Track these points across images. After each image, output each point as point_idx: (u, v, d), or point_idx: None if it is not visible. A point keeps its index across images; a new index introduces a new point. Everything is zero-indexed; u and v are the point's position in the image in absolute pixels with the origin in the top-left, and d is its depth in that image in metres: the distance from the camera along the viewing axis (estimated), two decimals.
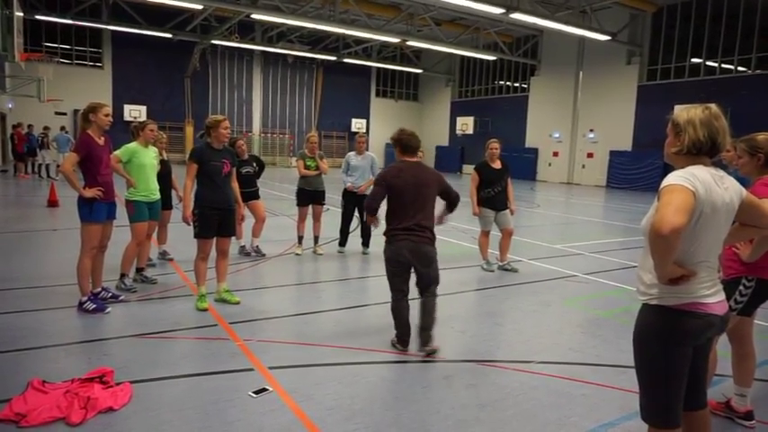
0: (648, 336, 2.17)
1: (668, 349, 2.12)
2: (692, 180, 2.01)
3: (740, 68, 20.66)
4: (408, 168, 4.04)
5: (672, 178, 2.04)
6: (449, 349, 4.23)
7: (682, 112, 2.19)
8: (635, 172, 23.26)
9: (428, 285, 4.08)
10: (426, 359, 3.97)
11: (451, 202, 4.23)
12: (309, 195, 7.51)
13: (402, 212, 3.96)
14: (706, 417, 2.35)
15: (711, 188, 2.05)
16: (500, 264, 7.05)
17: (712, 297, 2.13)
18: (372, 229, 7.05)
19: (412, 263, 3.98)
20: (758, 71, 19.94)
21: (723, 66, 21.04)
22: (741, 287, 3.04)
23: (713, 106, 2.17)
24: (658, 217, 1.92)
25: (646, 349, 2.18)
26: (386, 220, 4.10)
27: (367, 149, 7.90)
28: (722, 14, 20.76)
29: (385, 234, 4.07)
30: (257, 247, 7.33)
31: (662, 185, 2.04)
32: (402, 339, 4.12)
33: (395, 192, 3.97)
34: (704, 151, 2.12)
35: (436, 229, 4.12)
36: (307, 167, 7.43)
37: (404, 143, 4.11)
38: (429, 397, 3.37)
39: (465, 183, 23.63)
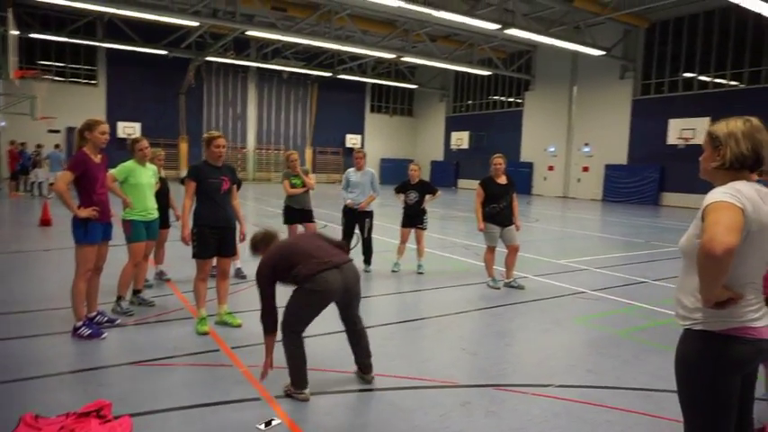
0: (694, 364, 2.02)
1: (716, 379, 1.97)
2: (738, 197, 1.88)
3: (733, 83, 20.83)
4: None
5: (717, 195, 1.91)
6: (462, 373, 4.06)
7: (720, 124, 2.09)
8: (630, 185, 23.33)
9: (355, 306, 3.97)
10: (442, 384, 3.79)
11: None
12: (297, 213, 7.35)
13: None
14: None
15: (758, 205, 1.92)
16: (506, 281, 6.90)
17: (761, 321, 1.99)
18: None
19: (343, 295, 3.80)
20: (751, 85, 20.10)
21: (716, 80, 21.21)
22: None
23: (754, 119, 2.07)
24: (708, 237, 1.78)
25: (691, 379, 2.03)
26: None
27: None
28: (713, 30, 20.98)
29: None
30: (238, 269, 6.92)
31: (706, 202, 1.92)
32: (303, 380, 3.51)
33: None
34: (747, 165, 2.01)
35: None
36: (293, 186, 7.28)
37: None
38: (448, 426, 3.18)
39: (460, 198, 23.64)
